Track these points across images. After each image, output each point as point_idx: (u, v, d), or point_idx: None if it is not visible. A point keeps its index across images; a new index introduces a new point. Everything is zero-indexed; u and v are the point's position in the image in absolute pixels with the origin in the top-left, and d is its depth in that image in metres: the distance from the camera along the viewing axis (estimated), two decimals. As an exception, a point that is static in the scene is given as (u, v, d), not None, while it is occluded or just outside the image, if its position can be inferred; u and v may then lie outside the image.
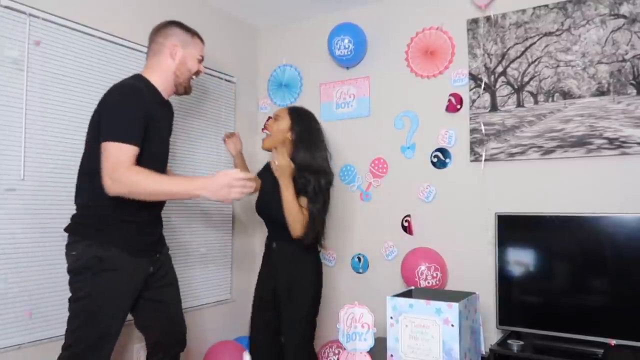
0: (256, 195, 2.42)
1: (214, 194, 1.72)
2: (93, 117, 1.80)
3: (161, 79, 1.92)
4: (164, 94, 1.95)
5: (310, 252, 2.30)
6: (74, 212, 1.82)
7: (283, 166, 2.16)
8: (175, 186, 1.77)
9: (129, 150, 1.67)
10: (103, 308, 1.73)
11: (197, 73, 2.02)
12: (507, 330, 2.31)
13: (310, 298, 2.26)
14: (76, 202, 1.82)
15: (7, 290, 1.90)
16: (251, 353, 2.33)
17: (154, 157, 1.84)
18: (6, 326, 1.89)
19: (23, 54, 1.97)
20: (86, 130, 2.06)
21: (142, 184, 1.67)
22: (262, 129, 2.37)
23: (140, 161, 1.72)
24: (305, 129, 2.30)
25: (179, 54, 1.93)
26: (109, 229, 1.75)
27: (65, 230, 1.80)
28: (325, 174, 2.28)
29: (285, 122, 2.31)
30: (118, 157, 1.65)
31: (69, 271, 1.76)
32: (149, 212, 1.88)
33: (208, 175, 1.85)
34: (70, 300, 1.76)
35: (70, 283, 1.76)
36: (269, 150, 2.35)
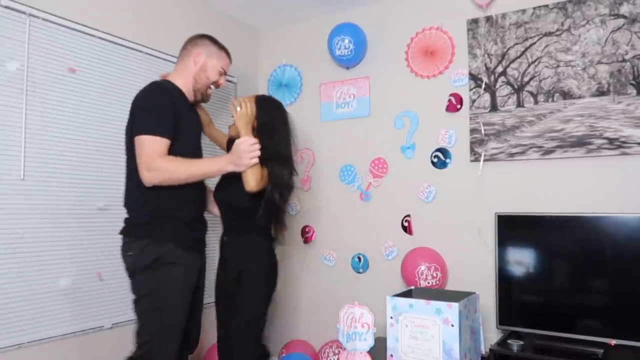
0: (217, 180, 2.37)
1: (238, 164, 1.89)
2: (128, 122, 1.89)
3: (183, 82, 2.01)
4: (188, 97, 2.03)
5: (262, 242, 2.23)
6: (126, 215, 1.89)
7: (243, 113, 2.13)
8: (207, 166, 1.91)
9: (161, 142, 1.78)
10: (168, 301, 1.79)
11: (216, 84, 2.10)
12: (507, 330, 2.31)
13: (260, 286, 2.18)
14: (126, 205, 1.90)
15: (7, 290, 1.90)
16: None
17: (188, 152, 1.90)
18: (6, 326, 1.89)
19: (23, 55, 1.96)
20: (86, 130, 2.05)
21: (177, 169, 1.80)
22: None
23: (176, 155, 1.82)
24: (269, 118, 2.25)
25: (202, 61, 2.02)
26: (162, 226, 1.83)
27: (120, 232, 1.87)
28: (285, 160, 2.22)
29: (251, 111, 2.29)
30: (152, 148, 1.76)
31: (129, 272, 1.83)
32: (195, 209, 2.00)
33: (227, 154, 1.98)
34: (134, 301, 1.82)
35: (132, 284, 1.83)
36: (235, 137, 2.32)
